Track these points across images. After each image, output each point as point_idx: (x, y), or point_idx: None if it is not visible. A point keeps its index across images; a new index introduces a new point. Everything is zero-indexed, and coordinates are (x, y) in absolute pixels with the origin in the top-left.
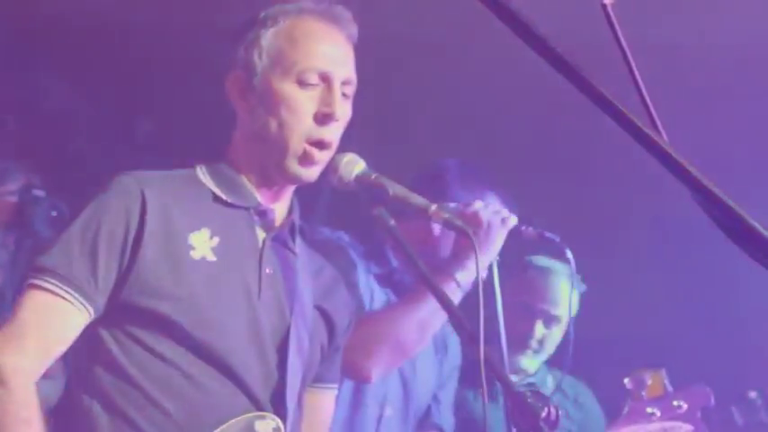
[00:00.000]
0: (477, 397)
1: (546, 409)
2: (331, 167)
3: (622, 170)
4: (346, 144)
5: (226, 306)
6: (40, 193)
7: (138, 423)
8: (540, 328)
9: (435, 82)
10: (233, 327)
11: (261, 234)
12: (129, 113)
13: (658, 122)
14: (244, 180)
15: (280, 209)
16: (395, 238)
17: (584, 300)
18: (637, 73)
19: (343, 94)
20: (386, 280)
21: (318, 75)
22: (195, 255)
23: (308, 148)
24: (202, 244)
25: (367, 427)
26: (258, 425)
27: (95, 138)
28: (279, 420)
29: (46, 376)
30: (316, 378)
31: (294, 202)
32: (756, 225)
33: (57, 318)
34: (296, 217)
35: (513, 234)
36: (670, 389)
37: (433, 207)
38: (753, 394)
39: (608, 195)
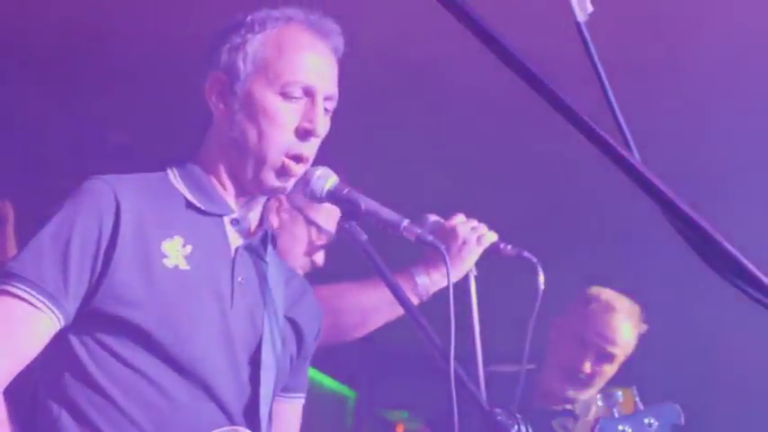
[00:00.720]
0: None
1: (516, 427)
2: (302, 180)
3: (595, 188)
4: (327, 157)
5: (198, 316)
6: None
7: None
8: (589, 364)
9: (417, 98)
10: (205, 337)
11: (233, 242)
12: (102, 122)
13: (630, 139)
14: (217, 186)
15: (253, 217)
16: (367, 253)
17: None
18: (609, 90)
19: (325, 109)
20: None
21: (302, 89)
22: (168, 263)
23: (287, 161)
24: (175, 252)
25: None
26: None
27: (66, 146)
28: None
29: None
30: (284, 387)
31: (264, 212)
32: (728, 246)
33: (25, 325)
34: (267, 225)
35: (492, 251)
36: (641, 407)
37: (405, 222)
38: None
39: (581, 213)
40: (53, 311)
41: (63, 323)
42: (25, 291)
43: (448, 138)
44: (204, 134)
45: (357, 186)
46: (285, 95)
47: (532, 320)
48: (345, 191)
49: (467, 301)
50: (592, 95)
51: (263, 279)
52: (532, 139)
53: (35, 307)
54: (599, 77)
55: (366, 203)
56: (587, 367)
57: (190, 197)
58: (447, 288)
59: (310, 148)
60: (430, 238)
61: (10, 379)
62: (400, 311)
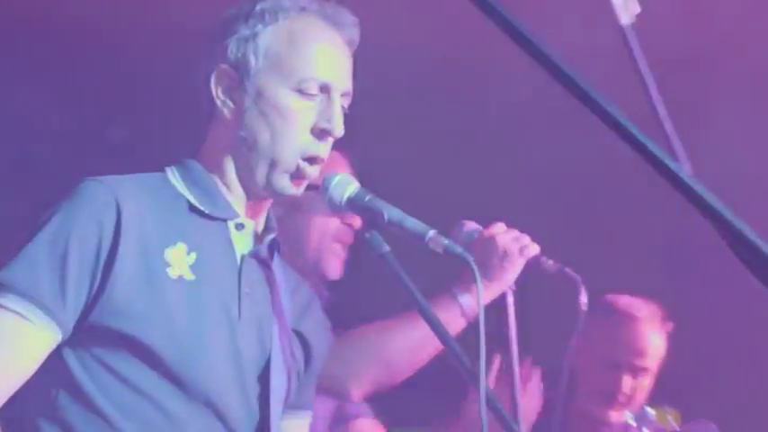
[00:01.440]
0: None
1: None
2: (320, 188)
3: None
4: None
5: (204, 330)
6: None
7: None
8: (627, 382)
9: (444, 95)
10: (211, 353)
11: (239, 249)
12: (100, 117)
13: (680, 151)
14: (221, 187)
15: (259, 222)
16: (389, 267)
17: None
18: (656, 97)
19: (341, 107)
20: None
21: (319, 85)
22: (172, 273)
23: (302, 164)
24: (179, 261)
25: None
26: None
27: (62, 142)
28: None
29: None
30: (293, 406)
31: (272, 216)
32: None
33: (18, 341)
34: (275, 232)
35: (531, 265)
36: (674, 425)
37: (431, 233)
38: None
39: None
40: (49, 326)
41: (60, 338)
42: (18, 302)
43: (481, 142)
44: (205, 131)
45: (379, 193)
46: (301, 92)
47: (573, 341)
48: (367, 198)
49: (503, 318)
50: (636, 101)
51: (270, 289)
52: (571, 144)
53: (29, 321)
54: (644, 84)
55: (389, 212)
56: (627, 388)
57: (192, 200)
58: (479, 304)
59: (326, 149)
60: (459, 249)
61: (5, 399)
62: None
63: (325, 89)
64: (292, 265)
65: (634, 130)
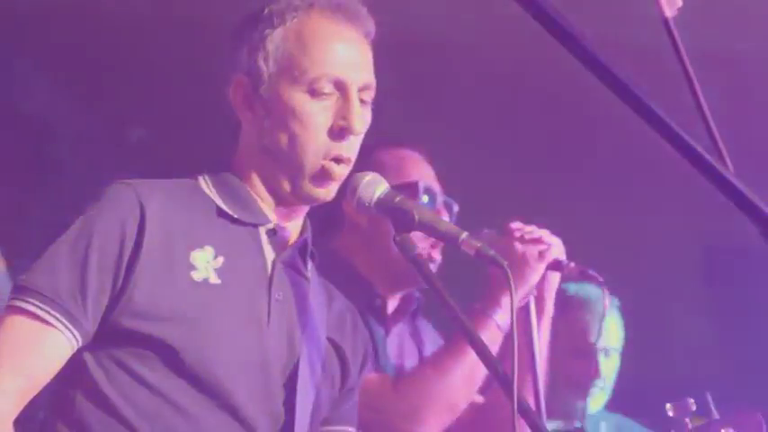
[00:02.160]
0: None
1: None
2: (349, 189)
3: (672, 194)
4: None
5: (229, 334)
6: None
7: None
8: (603, 364)
9: (458, 84)
10: (236, 358)
11: (269, 256)
12: (118, 117)
13: (724, 151)
14: (252, 194)
15: (292, 228)
16: (423, 272)
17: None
18: (701, 96)
19: (362, 101)
20: (369, 309)
21: (333, 83)
22: (197, 276)
23: (327, 164)
24: (205, 264)
25: None
26: None
27: (79, 144)
28: None
29: None
30: (331, 420)
31: (307, 223)
32: None
33: (38, 345)
34: (309, 238)
35: (552, 268)
36: (717, 416)
37: (464, 235)
38: None
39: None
40: (70, 330)
41: (81, 343)
42: (39, 307)
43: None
44: (235, 141)
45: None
46: (314, 93)
47: (596, 343)
48: (397, 199)
49: (526, 327)
50: (680, 99)
51: (303, 297)
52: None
53: (50, 325)
54: (689, 79)
55: (420, 213)
56: (597, 372)
57: (222, 205)
58: (512, 311)
59: (350, 148)
60: (492, 252)
61: (24, 404)
62: None
63: (340, 86)
64: (384, 280)
65: (679, 131)
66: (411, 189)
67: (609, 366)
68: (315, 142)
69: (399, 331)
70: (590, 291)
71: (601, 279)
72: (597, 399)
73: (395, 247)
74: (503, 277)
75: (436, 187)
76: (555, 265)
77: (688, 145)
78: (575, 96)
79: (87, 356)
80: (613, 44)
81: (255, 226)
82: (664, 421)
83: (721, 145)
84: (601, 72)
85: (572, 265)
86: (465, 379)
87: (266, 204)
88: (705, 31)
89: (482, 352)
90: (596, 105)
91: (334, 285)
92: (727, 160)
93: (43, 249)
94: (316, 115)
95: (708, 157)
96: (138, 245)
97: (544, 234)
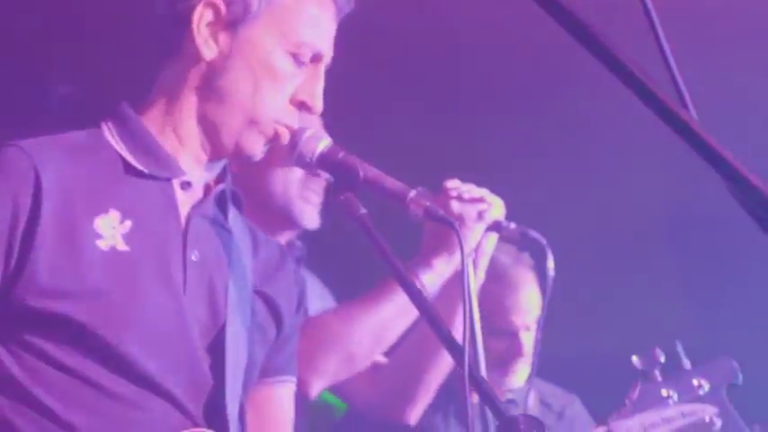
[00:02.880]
0: (450, 422)
1: None
2: (289, 143)
3: (635, 160)
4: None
5: (143, 304)
6: None
7: None
8: (527, 337)
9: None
10: (153, 328)
11: (185, 211)
12: (45, 74)
13: (687, 97)
14: (166, 141)
15: (210, 177)
16: (366, 231)
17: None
18: (663, 37)
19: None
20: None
21: (313, 54)
22: (103, 244)
23: (280, 128)
24: (111, 230)
25: None
26: None
27: (2, 101)
28: None
29: None
30: (268, 371)
31: (227, 169)
32: None
33: None
34: (228, 185)
35: (492, 230)
36: (688, 366)
37: (413, 193)
38: None
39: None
40: None
41: None
42: None
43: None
44: (159, 67)
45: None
46: (295, 57)
47: (543, 311)
48: (341, 155)
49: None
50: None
51: (225, 251)
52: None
53: None
54: (651, 22)
55: (365, 171)
56: (520, 352)
57: (129, 158)
58: (460, 275)
59: (297, 120)
60: (441, 212)
61: None
62: (412, 318)
63: (315, 59)
64: (260, 222)
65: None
66: None
67: (530, 340)
68: (277, 104)
69: None
70: (501, 259)
71: (544, 241)
72: (521, 373)
73: (273, 188)
74: (449, 238)
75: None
76: (494, 227)
77: (650, 91)
78: (535, 49)
79: None
80: None
81: (168, 179)
82: (632, 375)
83: (686, 93)
84: (562, 17)
85: (512, 226)
86: (370, 333)
87: (184, 152)
88: None
89: (431, 315)
90: (557, 58)
91: None
92: (691, 108)
93: None
94: (289, 80)
95: (670, 103)
96: (33, 218)
97: (484, 193)
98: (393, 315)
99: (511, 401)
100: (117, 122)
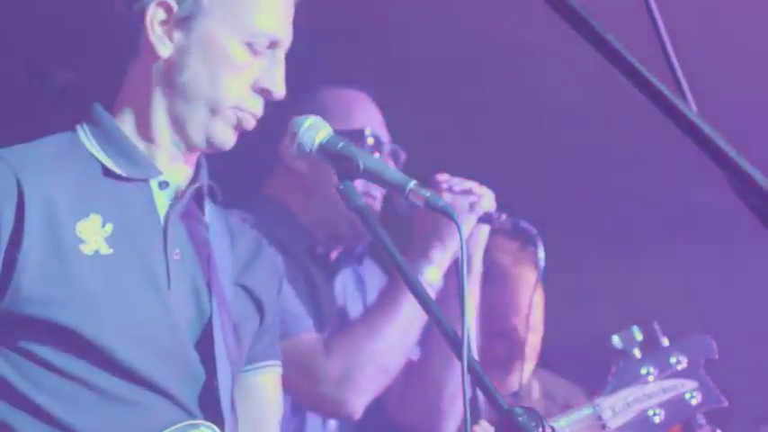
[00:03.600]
0: None
1: (540, 429)
2: (288, 133)
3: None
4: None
5: (129, 304)
6: None
7: None
8: (528, 337)
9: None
10: (141, 327)
11: (163, 210)
12: (38, 62)
13: (686, 88)
14: (140, 142)
15: (185, 174)
16: (367, 222)
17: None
18: (662, 28)
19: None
20: (310, 256)
21: (270, 42)
22: (86, 249)
23: (243, 115)
24: (94, 235)
25: None
26: None
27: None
28: (215, 427)
29: None
30: (253, 359)
31: (202, 163)
32: None
33: None
34: (203, 180)
35: (483, 221)
36: (665, 344)
37: (412, 184)
38: None
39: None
40: None
41: None
42: None
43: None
44: (123, 70)
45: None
46: (251, 46)
47: (531, 301)
48: (341, 145)
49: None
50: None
51: (205, 247)
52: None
53: None
54: (650, 13)
55: (365, 161)
56: (528, 349)
57: (106, 161)
58: (459, 265)
59: (261, 106)
60: (441, 201)
61: None
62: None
63: (273, 45)
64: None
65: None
66: (357, 137)
67: (535, 340)
68: (237, 92)
69: (344, 278)
70: (501, 259)
71: (534, 231)
72: (523, 374)
73: (336, 197)
74: (442, 229)
75: (384, 134)
76: (485, 218)
77: (648, 81)
78: (521, 37)
79: None
80: None
81: (145, 180)
82: (612, 353)
83: (685, 84)
84: (557, 4)
85: (503, 217)
86: (398, 339)
87: (160, 150)
88: None
89: (429, 308)
90: (544, 45)
91: (270, 231)
92: (689, 99)
93: None
94: (246, 69)
95: (671, 95)
96: (17, 230)
97: (473, 186)
98: (414, 314)
99: (515, 394)
100: (92, 126)
